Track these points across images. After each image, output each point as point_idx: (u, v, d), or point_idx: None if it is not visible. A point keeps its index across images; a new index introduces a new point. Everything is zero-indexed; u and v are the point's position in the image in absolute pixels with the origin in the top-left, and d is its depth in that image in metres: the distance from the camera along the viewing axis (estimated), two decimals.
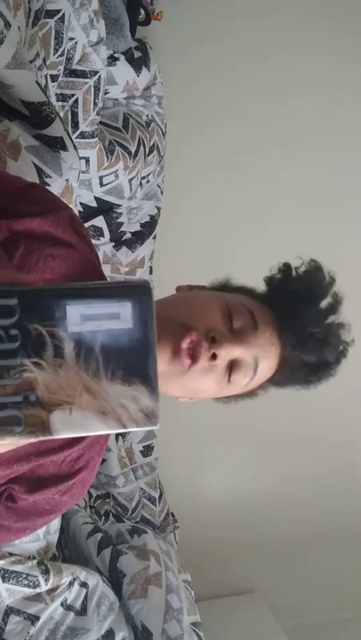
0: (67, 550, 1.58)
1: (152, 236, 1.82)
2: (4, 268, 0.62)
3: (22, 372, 0.38)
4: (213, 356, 0.65)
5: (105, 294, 0.40)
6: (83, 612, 1.29)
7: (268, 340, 0.70)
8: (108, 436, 0.75)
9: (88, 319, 0.39)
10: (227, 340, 0.67)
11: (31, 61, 1.12)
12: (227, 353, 0.67)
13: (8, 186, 0.73)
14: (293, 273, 0.78)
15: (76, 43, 1.32)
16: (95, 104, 1.42)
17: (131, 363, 0.39)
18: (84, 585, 1.32)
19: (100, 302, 0.39)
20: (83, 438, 0.69)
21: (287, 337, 0.72)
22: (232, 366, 0.69)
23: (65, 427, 0.38)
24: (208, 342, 0.66)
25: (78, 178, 1.22)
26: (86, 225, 1.61)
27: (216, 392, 0.72)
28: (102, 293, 0.40)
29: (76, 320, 0.38)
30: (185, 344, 0.65)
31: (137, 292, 0.40)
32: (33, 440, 0.39)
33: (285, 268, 0.79)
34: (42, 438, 0.39)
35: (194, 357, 0.65)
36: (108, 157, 1.50)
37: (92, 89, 1.40)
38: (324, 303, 0.75)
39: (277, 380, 0.76)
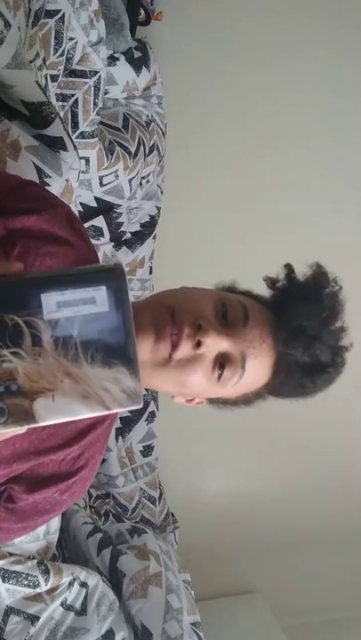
0: (67, 550, 1.58)
1: (152, 236, 1.82)
2: None
3: (1, 363, 0.38)
4: (198, 344, 0.63)
5: (79, 279, 0.40)
6: (83, 612, 1.28)
7: (257, 336, 0.68)
8: (108, 434, 0.75)
9: (64, 306, 0.39)
10: (213, 329, 0.64)
11: (31, 61, 1.12)
12: (213, 342, 0.64)
13: (4, 183, 0.73)
14: (295, 275, 0.76)
15: (76, 43, 1.32)
16: (95, 104, 1.42)
17: (109, 345, 0.40)
18: (83, 585, 1.32)
19: (74, 288, 0.39)
20: (83, 437, 0.69)
21: (279, 334, 0.69)
22: (220, 361, 0.66)
23: (49, 413, 0.39)
24: (193, 329, 0.64)
25: (78, 178, 1.22)
26: (86, 225, 1.61)
27: (205, 388, 0.69)
28: (77, 279, 0.40)
29: (52, 307, 0.39)
30: (168, 330, 0.63)
31: (111, 275, 0.40)
32: (18, 429, 0.39)
33: (288, 270, 0.77)
34: (27, 427, 0.39)
35: (175, 344, 0.63)
36: (107, 157, 1.50)
37: (92, 89, 1.40)
38: (322, 304, 0.72)
39: (274, 385, 0.73)
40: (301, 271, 0.76)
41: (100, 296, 0.40)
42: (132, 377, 0.40)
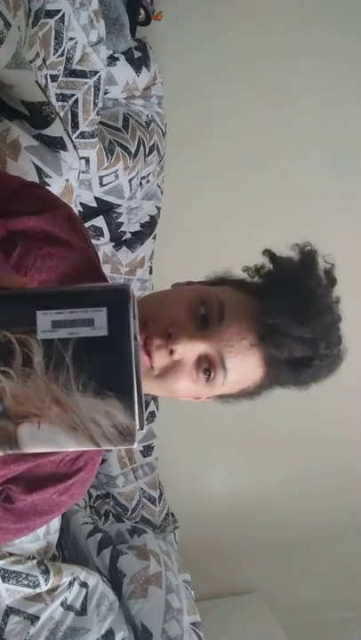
0: (67, 550, 1.58)
1: (152, 236, 1.82)
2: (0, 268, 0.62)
3: None
4: (171, 352, 0.63)
5: (79, 299, 0.37)
6: (83, 612, 1.28)
7: (235, 334, 0.65)
8: None
9: (60, 326, 0.36)
10: (185, 334, 0.63)
11: (31, 61, 1.12)
12: (185, 348, 0.63)
13: (6, 185, 0.73)
14: (279, 259, 0.72)
15: (76, 43, 1.32)
16: (95, 104, 1.42)
17: (105, 374, 0.36)
18: (83, 585, 1.32)
19: (73, 307, 0.36)
20: None
21: (257, 329, 0.65)
22: (201, 364, 0.65)
23: (33, 441, 0.36)
24: (164, 339, 0.63)
25: (78, 178, 1.22)
26: (86, 225, 1.61)
27: (196, 391, 0.68)
28: (76, 298, 0.37)
29: (46, 327, 0.36)
30: (141, 341, 0.62)
31: (114, 296, 0.37)
32: (0, 454, 0.37)
33: (270, 256, 0.73)
34: (8, 452, 0.37)
35: (148, 354, 0.63)
36: (107, 157, 1.50)
37: (92, 89, 1.40)
38: (302, 294, 0.65)
39: (271, 377, 0.70)
40: (288, 255, 0.72)
41: (99, 318, 0.36)
42: (125, 412, 0.36)
